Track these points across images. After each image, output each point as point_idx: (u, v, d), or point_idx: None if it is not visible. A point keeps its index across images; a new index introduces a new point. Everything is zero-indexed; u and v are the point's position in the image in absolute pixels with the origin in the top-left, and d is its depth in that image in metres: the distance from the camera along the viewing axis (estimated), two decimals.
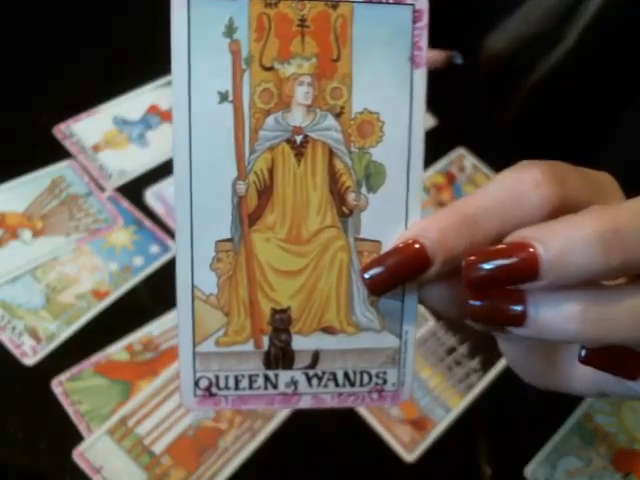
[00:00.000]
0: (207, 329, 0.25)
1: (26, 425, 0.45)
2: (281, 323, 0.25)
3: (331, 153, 0.24)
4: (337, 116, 0.24)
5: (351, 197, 0.25)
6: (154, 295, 0.51)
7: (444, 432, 0.47)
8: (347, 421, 0.46)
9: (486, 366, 0.50)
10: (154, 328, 0.50)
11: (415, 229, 0.24)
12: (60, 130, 0.59)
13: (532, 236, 0.22)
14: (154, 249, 0.53)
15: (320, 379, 0.26)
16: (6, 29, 0.64)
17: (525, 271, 0.22)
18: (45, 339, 0.49)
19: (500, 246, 0.22)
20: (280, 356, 0.26)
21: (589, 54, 0.52)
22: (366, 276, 0.24)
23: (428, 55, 0.24)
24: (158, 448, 0.45)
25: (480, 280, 0.22)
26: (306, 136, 0.24)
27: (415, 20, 0.24)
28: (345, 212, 0.25)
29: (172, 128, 0.24)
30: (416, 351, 0.26)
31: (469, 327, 0.26)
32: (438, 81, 0.62)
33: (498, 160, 0.60)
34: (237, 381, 0.26)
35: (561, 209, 0.23)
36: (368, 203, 0.25)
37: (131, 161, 0.58)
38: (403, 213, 0.25)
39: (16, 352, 0.48)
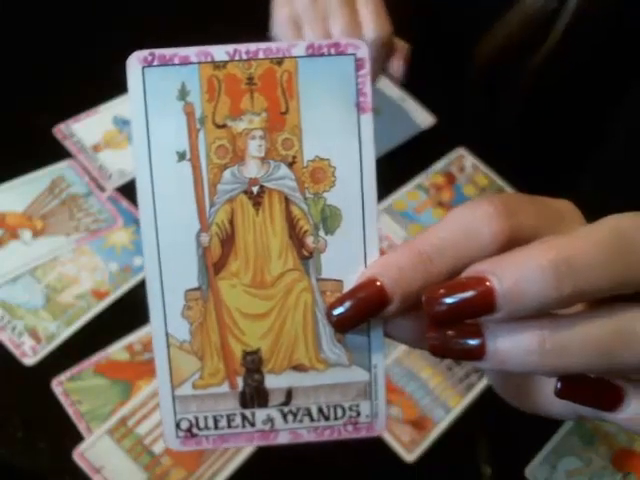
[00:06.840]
0: (183, 374, 0.27)
1: (26, 425, 0.45)
2: (253, 364, 0.26)
3: (287, 200, 0.26)
4: (290, 165, 0.25)
5: (310, 240, 0.26)
6: None
7: (444, 432, 0.47)
8: None
9: None
10: None
11: (374, 268, 0.25)
12: (60, 130, 0.59)
13: (486, 269, 0.22)
14: None
15: (295, 415, 0.27)
16: (6, 29, 0.64)
17: (482, 304, 0.22)
18: (45, 339, 0.49)
19: (457, 281, 0.23)
20: (254, 395, 0.27)
21: (570, 53, 0.52)
22: (332, 314, 0.25)
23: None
24: (158, 448, 0.45)
25: (441, 315, 0.23)
26: (262, 186, 0.26)
27: (358, 68, 0.25)
28: (305, 255, 0.26)
29: (136, 187, 0.26)
30: (386, 381, 0.27)
31: None
32: (438, 81, 0.62)
33: (498, 160, 0.60)
34: (216, 421, 0.27)
35: (513, 241, 0.23)
36: (327, 245, 0.26)
37: (131, 161, 0.58)
38: (362, 252, 0.26)
39: (16, 352, 0.48)
